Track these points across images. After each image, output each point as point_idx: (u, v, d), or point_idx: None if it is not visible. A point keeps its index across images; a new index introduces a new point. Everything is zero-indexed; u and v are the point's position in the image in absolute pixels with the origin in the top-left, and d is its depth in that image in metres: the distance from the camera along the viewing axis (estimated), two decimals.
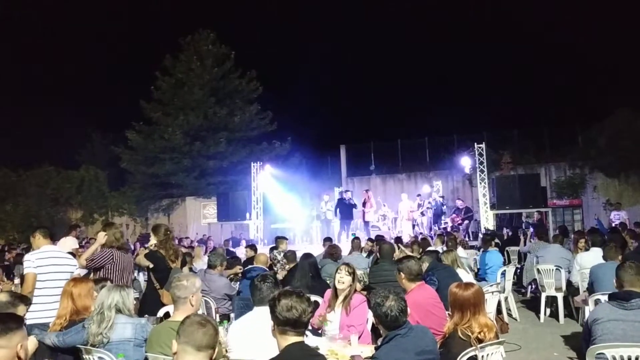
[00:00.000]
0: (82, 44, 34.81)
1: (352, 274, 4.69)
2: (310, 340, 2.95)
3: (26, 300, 4.12)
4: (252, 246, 10.16)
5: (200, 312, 5.54)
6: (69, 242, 9.08)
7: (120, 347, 3.57)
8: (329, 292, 4.88)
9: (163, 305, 5.30)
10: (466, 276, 6.41)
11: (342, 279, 4.64)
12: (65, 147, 29.69)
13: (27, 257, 4.99)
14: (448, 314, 4.57)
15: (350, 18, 33.16)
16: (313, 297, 3.19)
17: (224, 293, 6.51)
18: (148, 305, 5.36)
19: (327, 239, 10.81)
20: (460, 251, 9.05)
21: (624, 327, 3.82)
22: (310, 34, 32.06)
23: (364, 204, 16.59)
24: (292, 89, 27.56)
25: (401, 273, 4.66)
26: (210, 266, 6.72)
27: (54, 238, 5.33)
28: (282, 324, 2.78)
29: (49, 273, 4.87)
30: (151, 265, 5.64)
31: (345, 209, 15.89)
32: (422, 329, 3.42)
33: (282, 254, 8.44)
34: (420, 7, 32.11)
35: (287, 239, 10.69)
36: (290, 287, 3.48)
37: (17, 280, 8.10)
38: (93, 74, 33.78)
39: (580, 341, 4.28)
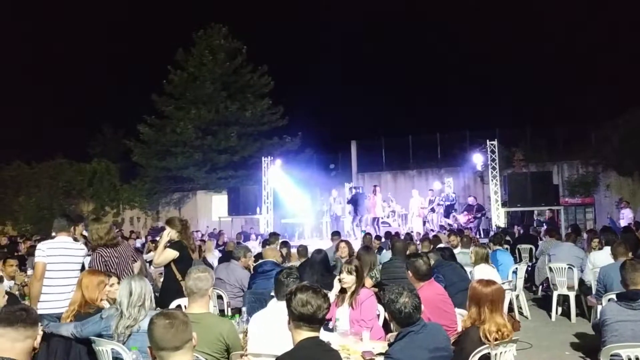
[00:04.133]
0: (95, 38, 35.07)
1: (355, 270, 4.70)
2: (322, 335, 2.95)
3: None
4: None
5: (212, 304, 5.58)
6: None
7: (138, 337, 3.58)
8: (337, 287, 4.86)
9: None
10: (492, 272, 6.52)
11: (345, 279, 4.66)
12: (77, 140, 30.01)
13: (39, 246, 5.01)
14: (459, 313, 4.59)
15: (362, 14, 33.04)
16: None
17: (241, 285, 6.64)
18: (169, 297, 5.12)
19: (336, 233, 10.77)
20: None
21: (633, 328, 3.79)
22: (322, 29, 32.01)
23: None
24: (304, 84, 27.61)
25: (408, 271, 4.73)
26: (234, 257, 7.03)
27: (66, 228, 5.23)
28: (297, 319, 2.77)
29: (59, 263, 4.85)
30: (176, 255, 5.41)
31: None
32: (435, 326, 3.42)
33: (294, 248, 8.53)
34: (432, 4, 31.94)
35: (279, 235, 10.51)
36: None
37: (30, 272, 8.17)
38: (105, 67, 34.03)
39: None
